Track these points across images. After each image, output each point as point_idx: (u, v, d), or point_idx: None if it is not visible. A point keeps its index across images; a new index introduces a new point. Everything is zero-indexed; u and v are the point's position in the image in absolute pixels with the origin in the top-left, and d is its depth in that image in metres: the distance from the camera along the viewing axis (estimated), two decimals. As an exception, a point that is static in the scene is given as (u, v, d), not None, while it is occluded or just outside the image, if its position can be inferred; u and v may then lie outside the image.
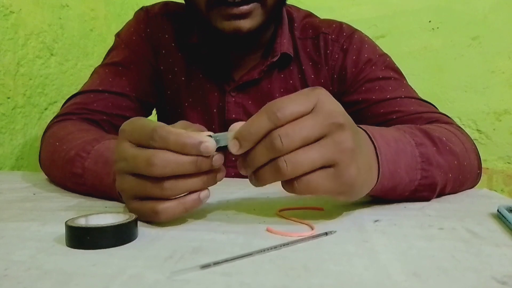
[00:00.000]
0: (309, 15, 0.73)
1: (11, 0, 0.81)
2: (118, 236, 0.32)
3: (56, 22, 0.94)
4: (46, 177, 0.62)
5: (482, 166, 0.55)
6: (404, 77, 0.67)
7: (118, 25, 1.16)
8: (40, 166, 0.63)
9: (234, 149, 0.33)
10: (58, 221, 0.37)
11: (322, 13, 0.76)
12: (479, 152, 0.56)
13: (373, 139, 0.39)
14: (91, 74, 0.71)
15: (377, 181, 0.39)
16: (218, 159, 0.35)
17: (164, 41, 0.70)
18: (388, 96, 0.63)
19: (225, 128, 0.71)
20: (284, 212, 0.41)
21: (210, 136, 0.34)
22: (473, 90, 1.23)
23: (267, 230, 0.35)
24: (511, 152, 1.21)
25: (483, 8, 1.20)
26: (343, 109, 0.34)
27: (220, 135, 0.34)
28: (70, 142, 0.54)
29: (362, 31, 0.72)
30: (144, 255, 0.29)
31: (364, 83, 0.65)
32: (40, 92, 0.90)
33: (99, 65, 0.72)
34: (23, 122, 0.85)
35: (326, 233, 0.34)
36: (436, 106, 0.65)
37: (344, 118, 0.33)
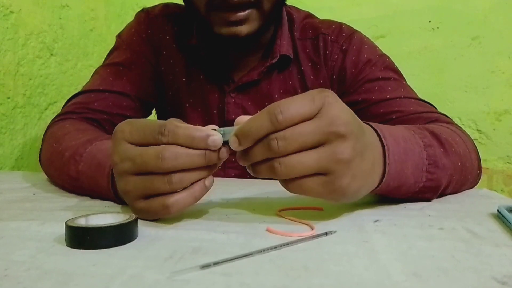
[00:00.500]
0: (309, 15, 0.73)
1: (11, 0, 0.81)
2: (118, 236, 0.32)
3: (56, 22, 0.94)
4: (46, 177, 0.62)
5: (482, 166, 0.55)
6: (404, 78, 0.67)
7: (118, 25, 1.17)
8: (41, 166, 0.63)
9: (234, 145, 0.34)
10: (58, 221, 0.37)
11: (322, 13, 0.76)
12: (479, 152, 0.56)
13: (382, 138, 0.39)
14: (92, 75, 0.72)
15: (382, 181, 0.39)
16: (225, 152, 0.36)
17: (165, 42, 0.71)
18: (387, 96, 0.63)
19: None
20: (284, 212, 0.41)
21: (215, 130, 0.35)
22: (473, 90, 1.23)
23: (267, 230, 0.35)
24: (511, 152, 1.21)
25: (483, 8, 1.20)
26: (348, 113, 0.34)
27: (225, 129, 0.35)
28: (65, 142, 0.55)
29: (362, 31, 0.72)
30: (144, 255, 0.29)
31: (364, 83, 0.65)
32: (40, 92, 0.90)
33: (100, 66, 0.72)
34: (23, 122, 0.85)
35: (326, 233, 0.34)
36: (436, 106, 0.65)
37: (346, 126, 0.33)
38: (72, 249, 0.31)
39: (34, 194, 0.53)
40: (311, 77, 0.68)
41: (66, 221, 0.32)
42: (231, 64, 0.69)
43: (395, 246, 0.31)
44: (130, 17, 0.75)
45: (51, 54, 0.93)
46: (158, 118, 0.78)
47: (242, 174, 0.70)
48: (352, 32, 0.69)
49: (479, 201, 0.47)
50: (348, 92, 0.66)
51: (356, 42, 0.68)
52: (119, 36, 0.74)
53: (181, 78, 0.71)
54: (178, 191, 0.35)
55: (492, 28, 1.19)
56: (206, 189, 0.37)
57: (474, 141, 0.56)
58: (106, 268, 0.27)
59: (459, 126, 0.57)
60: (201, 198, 0.37)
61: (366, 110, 0.64)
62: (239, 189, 0.54)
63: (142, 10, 0.74)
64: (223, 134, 0.35)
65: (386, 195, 0.43)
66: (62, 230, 0.32)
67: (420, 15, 1.25)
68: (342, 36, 0.68)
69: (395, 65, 0.68)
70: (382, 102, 0.63)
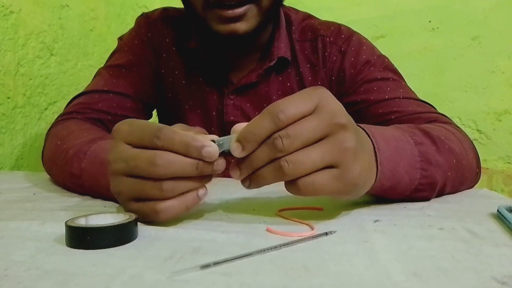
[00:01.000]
0: (308, 17, 0.73)
1: (11, 0, 0.81)
2: (118, 236, 0.32)
3: (56, 22, 0.94)
4: (46, 177, 0.62)
5: (482, 166, 0.55)
6: (403, 78, 0.67)
7: (118, 25, 1.17)
8: (43, 164, 0.63)
9: (237, 151, 0.33)
10: (58, 221, 0.37)
11: (322, 14, 0.76)
12: (479, 152, 0.56)
13: (372, 137, 0.39)
14: (94, 76, 0.72)
15: (375, 180, 0.39)
16: (220, 164, 0.35)
17: (165, 45, 0.72)
18: (386, 97, 0.63)
19: (224, 130, 0.72)
20: (284, 212, 0.41)
21: (213, 141, 0.34)
22: (473, 90, 1.23)
23: (267, 230, 0.35)
24: (511, 152, 1.21)
25: (483, 8, 1.20)
26: (343, 108, 0.35)
27: (223, 139, 0.34)
28: (70, 141, 0.55)
29: (362, 32, 0.72)
30: (144, 255, 0.29)
31: (363, 84, 0.65)
32: (40, 92, 0.90)
33: (102, 67, 0.73)
34: (23, 122, 0.85)
35: (326, 233, 0.34)
36: (436, 106, 0.65)
37: (346, 117, 0.33)
38: (72, 249, 0.31)
39: (34, 194, 0.53)
40: (309, 78, 0.69)
41: (66, 221, 0.32)
42: (229, 66, 0.69)
43: (395, 246, 0.31)
44: (130, 17, 0.76)
45: (51, 54, 0.93)
46: (159, 120, 0.79)
47: None
48: (351, 34, 0.69)
49: (479, 201, 0.47)
50: (347, 93, 0.66)
51: (355, 44, 0.68)
52: (120, 39, 0.75)
53: (180, 81, 0.71)
54: (170, 198, 0.35)
55: (492, 28, 1.20)
56: (199, 199, 0.36)
57: (474, 141, 0.57)
58: (106, 268, 0.27)
59: (458, 126, 0.57)
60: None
61: (365, 111, 0.64)
62: (239, 189, 0.54)
63: (142, 14, 0.75)
64: (221, 145, 0.34)
65: (384, 196, 0.43)
66: (62, 230, 0.32)
67: (420, 15, 1.25)
68: (340, 38, 0.68)
69: (394, 65, 0.68)
70: (381, 102, 0.63)
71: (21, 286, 0.25)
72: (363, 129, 0.40)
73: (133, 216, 0.33)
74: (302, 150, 0.32)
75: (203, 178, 0.36)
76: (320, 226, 0.35)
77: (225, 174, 0.78)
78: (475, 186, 0.54)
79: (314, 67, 0.69)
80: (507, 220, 0.36)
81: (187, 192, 0.35)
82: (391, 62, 0.68)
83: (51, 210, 0.43)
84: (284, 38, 0.68)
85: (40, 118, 0.90)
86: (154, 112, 0.78)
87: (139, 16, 0.75)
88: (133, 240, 0.33)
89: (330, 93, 0.35)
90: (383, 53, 0.70)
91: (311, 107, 0.33)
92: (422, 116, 0.60)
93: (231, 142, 0.33)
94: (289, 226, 0.37)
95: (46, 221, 0.38)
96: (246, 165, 0.34)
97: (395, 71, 0.67)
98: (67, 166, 0.51)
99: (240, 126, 0.34)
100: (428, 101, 0.64)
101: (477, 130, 1.23)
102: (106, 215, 0.34)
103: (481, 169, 0.55)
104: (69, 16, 0.99)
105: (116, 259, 0.29)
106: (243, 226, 0.36)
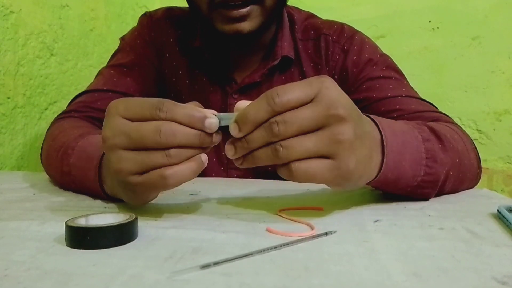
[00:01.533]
0: (311, 16, 0.74)
1: (11, 0, 0.81)
2: (118, 236, 0.32)
3: (56, 22, 0.94)
4: (46, 177, 0.62)
5: (482, 166, 0.55)
6: (405, 77, 0.67)
7: (118, 25, 1.17)
8: (42, 164, 0.63)
9: (234, 132, 0.34)
10: (58, 221, 0.37)
11: (322, 13, 0.76)
12: (479, 152, 0.56)
13: (380, 128, 0.40)
14: (96, 75, 0.73)
15: (379, 172, 0.39)
16: (218, 137, 0.36)
17: (168, 44, 0.72)
18: (388, 95, 0.63)
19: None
20: (284, 212, 0.41)
21: (214, 115, 0.36)
22: (473, 90, 1.23)
23: (267, 230, 0.35)
24: (511, 152, 1.21)
25: (483, 8, 1.20)
26: (346, 98, 0.35)
27: (224, 115, 0.35)
28: (61, 140, 0.55)
29: (362, 32, 0.72)
30: (144, 255, 0.29)
31: (365, 81, 0.65)
32: (40, 92, 0.90)
33: (104, 67, 0.73)
34: (23, 122, 0.85)
35: (326, 233, 0.34)
36: (436, 106, 0.65)
37: (345, 109, 0.33)
38: (72, 249, 0.31)
39: (34, 194, 0.53)
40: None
41: (66, 221, 0.32)
42: (233, 65, 0.69)
43: (395, 246, 0.31)
44: (130, 17, 0.76)
45: (51, 54, 0.93)
46: None
47: (245, 175, 0.70)
48: (354, 33, 0.70)
49: (479, 201, 0.47)
50: (350, 91, 0.67)
51: (358, 43, 0.68)
52: (122, 38, 0.75)
53: (184, 80, 0.71)
54: (177, 164, 0.35)
55: (492, 28, 1.20)
56: (203, 164, 0.36)
57: (474, 141, 0.57)
58: (106, 268, 0.27)
59: (459, 126, 0.58)
60: (201, 198, 0.37)
61: (368, 108, 0.64)
62: (239, 189, 0.54)
63: (145, 14, 0.75)
64: (221, 119, 0.35)
65: (385, 190, 0.43)
66: (62, 230, 0.32)
67: (420, 15, 1.25)
68: (343, 37, 0.68)
69: (396, 64, 0.68)
70: (383, 100, 0.63)
71: (21, 286, 0.25)
72: (373, 120, 0.40)
73: (133, 216, 0.33)
74: (297, 137, 0.33)
75: (203, 148, 0.36)
76: (320, 226, 0.35)
77: (228, 174, 0.79)
78: (475, 186, 0.54)
79: (317, 66, 0.69)
80: (507, 220, 0.36)
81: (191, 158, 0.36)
82: (393, 61, 0.68)
83: (51, 210, 0.43)
84: (287, 37, 0.68)
85: (40, 118, 0.90)
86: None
87: (142, 15, 0.75)
88: (133, 240, 0.33)
89: (334, 82, 0.35)
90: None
91: (310, 95, 0.33)
92: (424, 115, 0.60)
93: (230, 121, 0.34)
94: (289, 226, 0.37)
95: (46, 221, 0.38)
96: (242, 145, 0.34)
97: (397, 70, 0.67)
98: (58, 164, 0.52)
99: (242, 104, 0.35)
100: (429, 101, 0.64)
101: (477, 130, 1.23)
102: (106, 215, 0.34)
103: (482, 169, 0.55)
104: (69, 16, 0.98)
105: (116, 259, 0.29)
106: (243, 226, 0.36)
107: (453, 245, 0.31)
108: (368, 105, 0.64)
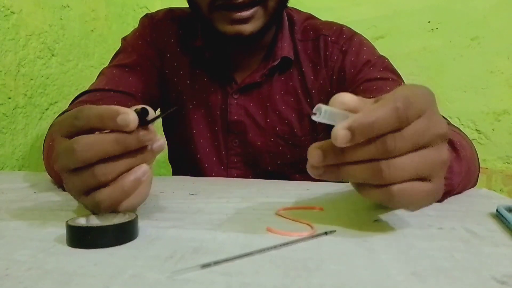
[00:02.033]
0: (310, 17, 0.74)
1: (12, 0, 0.81)
2: (119, 235, 0.32)
3: (57, 23, 0.94)
4: (47, 177, 0.62)
5: (482, 166, 0.56)
6: (402, 79, 0.68)
7: (119, 26, 1.17)
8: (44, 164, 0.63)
9: (343, 140, 0.27)
10: (58, 220, 0.37)
11: (322, 14, 0.76)
12: (478, 152, 0.56)
13: None
14: (98, 75, 0.73)
15: None
16: (146, 134, 0.31)
17: (169, 45, 0.72)
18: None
19: (227, 129, 0.72)
20: (284, 212, 0.41)
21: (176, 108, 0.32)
22: (473, 90, 1.23)
23: (267, 230, 0.35)
24: (510, 152, 1.21)
25: (483, 8, 1.20)
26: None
27: (328, 109, 0.28)
28: None
29: (362, 32, 0.72)
30: (145, 255, 0.29)
31: (362, 82, 0.65)
32: (41, 92, 0.90)
33: (106, 67, 0.73)
34: (24, 122, 0.86)
35: (325, 233, 0.34)
36: (436, 106, 0.65)
37: (447, 127, 0.31)
38: (73, 248, 0.31)
39: (35, 193, 0.53)
40: (311, 78, 0.69)
41: (67, 221, 0.32)
42: (233, 65, 0.70)
43: (395, 245, 0.31)
44: (131, 18, 0.76)
45: (52, 55, 0.93)
46: (163, 119, 0.79)
47: (245, 174, 0.70)
48: (352, 34, 0.70)
49: (478, 201, 0.47)
50: (347, 92, 0.67)
51: (356, 44, 0.68)
52: (124, 39, 0.75)
53: (185, 80, 0.72)
54: (107, 186, 0.32)
55: (491, 29, 1.20)
56: (137, 180, 0.32)
57: (473, 141, 0.57)
58: (106, 268, 0.27)
59: (459, 128, 0.58)
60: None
61: None
62: (239, 189, 0.54)
63: (146, 15, 0.75)
64: (325, 113, 0.28)
65: None
66: (63, 230, 0.32)
67: (420, 15, 1.25)
68: (342, 38, 0.69)
69: (393, 66, 0.69)
70: None
71: (22, 285, 0.25)
72: None
73: (134, 216, 0.34)
74: (404, 156, 0.28)
75: (139, 155, 0.32)
76: (320, 226, 0.35)
77: (228, 174, 0.78)
78: (474, 186, 0.55)
79: (316, 66, 0.69)
80: (506, 220, 0.36)
81: (125, 174, 0.32)
82: (391, 63, 0.69)
83: (52, 209, 0.43)
84: (287, 38, 0.69)
85: (41, 118, 0.90)
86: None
87: (143, 16, 0.76)
88: (134, 239, 0.33)
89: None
90: (382, 53, 0.70)
91: (424, 110, 0.29)
92: None
93: (338, 126, 0.28)
94: (289, 226, 0.37)
95: (47, 221, 0.38)
96: (337, 154, 0.29)
97: (394, 72, 0.67)
98: None
99: (348, 99, 0.29)
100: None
101: (476, 130, 1.23)
102: (106, 215, 0.34)
103: (481, 170, 0.56)
104: (70, 16, 0.99)
105: (117, 258, 0.29)
106: (243, 226, 0.37)
107: (452, 245, 0.31)
108: None
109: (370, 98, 0.71)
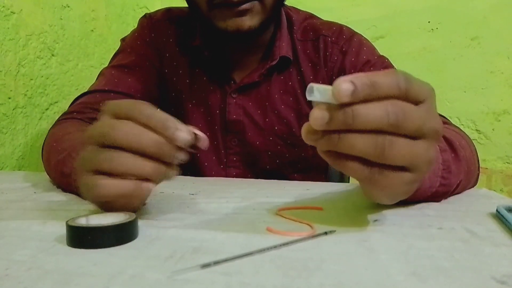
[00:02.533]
0: (310, 17, 0.74)
1: (12, 0, 0.81)
2: (119, 235, 0.32)
3: (57, 23, 0.94)
4: (47, 177, 0.62)
5: (481, 166, 0.56)
6: None
7: (118, 26, 1.17)
8: (43, 164, 0.63)
9: (345, 92, 0.26)
10: (58, 220, 0.37)
11: (322, 14, 0.76)
12: (478, 152, 0.56)
13: None
14: (98, 76, 0.73)
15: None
16: (182, 155, 0.33)
17: (168, 45, 0.72)
18: None
19: (226, 128, 0.72)
20: (284, 212, 0.41)
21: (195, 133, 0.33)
22: (472, 91, 1.23)
23: (267, 230, 0.35)
24: (510, 152, 1.21)
25: (483, 9, 1.20)
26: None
27: (321, 86, 0.27)
28: (66, 142, 0.55)
29: (362, 32, 0.72)
30: (145, 255, 0.29)
31: None
32: (41, 92, 0.90)
33: (105, 67, 0.73)
34: (24, 122, 0.86)
35: (325, 233, 0.34)
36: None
37: (442, 127, 0.31)
38: (73, 248, 0.31)
39: (35, 193, 0.53)
40: (311, 78, 0.69)
41: (67, 221, 0.32)
42: (232, 65, 0.70)
43: (395, 245, 0.31)
44: (130, 18, 0.76)
45: (52, 55, 0.93)
46: None
47: (244, 173, 0.70)
48: (352, 34, 0.70)
49: (478, 201, 0.47)
50: None
51: (356, 44, 0.68)
52: (123, 40, 0.75)
53: (184, 80, 0.72)
54: (114, 177, 0.33)
55: (491, 29, 1.20)
56: (140, 189, 0.33)
57: (473, 141, 0.57)
58: (106, 268, 0.27)
59: (458, 127, 0.58)
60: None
61: None
62: (239, 189, 0.54)
63: (145, 15, 0.76)
64: (317, 92, 0.27)
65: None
66: (63, 230, 0.32)
67: (420, 15, 1.25)
68: (342, 38, 0.69)
69: (393, 66, 0.68)
70: None
71: (22, 285, 0.25)
72: None
73: (134, 216, 0.34)
74: (406, 140, 0.28)
75: (157, 168, 0.33)
76: (320, 226, 0.35)
77: (227, 173, 0.79)
78: (474, 186, 0.55)
79: (316, 66, 0.69)
80: (506, 220, 0.36)
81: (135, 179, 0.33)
82: (391, 63, 0.69)
83: (52, 209, 0.43)
84: (285, 38, 0.69)
85: (41, 118, 0.90)
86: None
87: (142, 17, 0.76)
88: (134, 239, 0.33)
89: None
90: (382, 53, 0.70)
91: (423, 97, 0.28)
92: None
93: (340, 79, 0.27)
94: (289, 226, 0.37)
95: (47, 221, 0.38)
96: (345, 117, 0.27)
97: None
98: (60, 166, 0.52)
99: (342, 81, 0.27)
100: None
101: (476, 130, 1.23)
102: (106, 215, 0.34)
103: (481, 170, 0.56)
104: (70, 16, 0.99)
105: (117, 258, 0.29)
106: (243, 226, 0.37)
107: (452, 244, 0.31)
108: None
109: None
